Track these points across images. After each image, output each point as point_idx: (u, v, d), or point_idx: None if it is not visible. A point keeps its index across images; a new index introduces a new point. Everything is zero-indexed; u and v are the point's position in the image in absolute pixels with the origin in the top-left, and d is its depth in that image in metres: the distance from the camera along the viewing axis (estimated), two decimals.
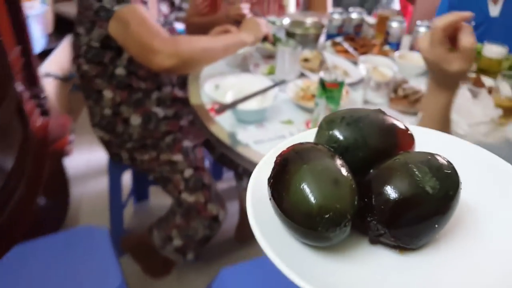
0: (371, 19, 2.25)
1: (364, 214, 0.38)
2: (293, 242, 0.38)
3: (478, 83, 1.71)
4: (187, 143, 1.79)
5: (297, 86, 1.54)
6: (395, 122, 0.45)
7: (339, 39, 2.12)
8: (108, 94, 1.67)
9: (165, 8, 1.79)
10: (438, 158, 0.39)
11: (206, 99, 1.53)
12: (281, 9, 2.37)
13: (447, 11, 2.67)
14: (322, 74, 1.26)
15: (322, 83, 1.24)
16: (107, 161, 1.92)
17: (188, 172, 1.72)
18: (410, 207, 0.37)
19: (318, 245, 0.37)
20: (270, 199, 0.39)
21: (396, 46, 2.12)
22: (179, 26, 2.24)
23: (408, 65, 1.84)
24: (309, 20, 2.16)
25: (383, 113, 0.45)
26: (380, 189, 0.38)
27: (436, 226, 0.37)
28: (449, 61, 0.79)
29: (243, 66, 1.81)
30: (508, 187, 0.42)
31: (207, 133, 1.42)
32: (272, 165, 0.40)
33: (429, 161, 0.38)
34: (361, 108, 0.47)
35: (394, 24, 2.07)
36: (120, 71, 1.63)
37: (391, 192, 0.37)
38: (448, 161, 0.39)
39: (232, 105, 1.32)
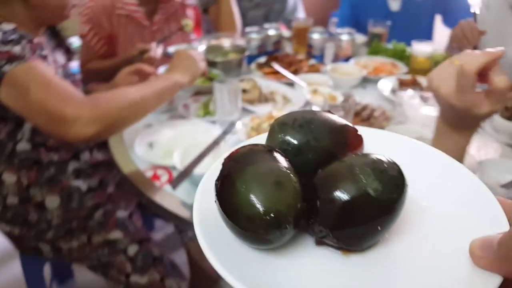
0: (286, 33, 2.14)
1: (308, 216, 0.38)
2: (239, 245, 0.38)
3: (415, 84, 1.69)
4: (121, 214, 1.47)
5: (246, 126, 1.34)
6: (345, 122, 0.45)
7: (261, 59, 1.98)
8: (9, 178, 1.30)
9: (61, 57, 1.45)
10: (384, 160, 0.39)
11: (143, 164, 1.25)
12: (185, 35, 2.14)
13: (349, 8, 2.72)
14: None
15: None
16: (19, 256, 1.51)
17: (132, 249, 1.41)
18: (352, 210, 0.37)
19: (260, 247, 0.38)
20: (215, 201, 0.38)
21: (321, 58, 2.04)
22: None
23: (344, 79, 1.76)
24: (226, 43, 1.97)
25: (333, 113, 0.45)
26: (323, 191, 0.38)
27: (379, 228, 0.37)
28: (480, 105, 0.67)
29: (171, 110, 1.56)
30: (458, 186, 0.42)
31: (142, 196, 1.15)
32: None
33: (374, 163, 0.38)
34: (312, 110, 0.47)
35: (316, 36, 1.99)
36: (22, 146, 1.27)
37: (333, 194, 0.37)
38: (393, 163, 0.39)
39: (188, 171, 1.07)
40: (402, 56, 2.00)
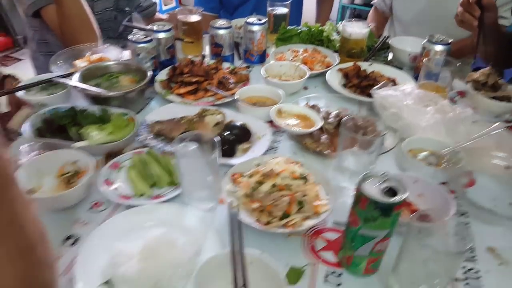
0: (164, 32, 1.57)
1: None
2: None
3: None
4: None
5: (234, 195, 0.86)
6: None
7: (160, 76, 1.42)
8: None
9: None
10: None
11: None
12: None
13: None
14: (371, 188, 0.69)
15: (382, 207, 0.68)
16: None
17: None
18: None
19: None
20: None
21: (230, 58, 1.60)
22: None
23: (289, 85, 1.38)
24: (107, 64, 1.35)
25: None
26: None
27: None
28: None
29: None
30: None
31: None
32: None
33: None
34: None
35: (223, 32, 1.52)
36: None
37: None
38: None
39: None
40: (317, 40, 1.72)
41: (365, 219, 0.73)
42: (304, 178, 0.87)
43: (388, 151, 1.08)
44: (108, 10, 1.81)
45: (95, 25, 1.58)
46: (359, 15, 4.96)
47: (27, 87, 1.17)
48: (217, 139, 0.84)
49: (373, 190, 0.71)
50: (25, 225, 0.51)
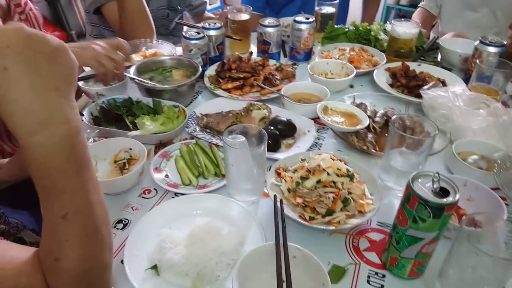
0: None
1: None
2: None
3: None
4: None
5: (277, 188, 0.87)
6: None
7: (209, 71, 1.45)
8: None
9: None
10: None
11: None
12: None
13: None
14: (422, 188, 0.68)
15: (433, 207, 0.67)
16: None
17: None
18: None
19: None
20: None
21: (277, 56, 1.61)
22: None
23: (335, 83, 1.38)
24: (161, 59, 1.40)
25: None
26: None
27: None
28: None
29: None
30: None
31: None
32: None
33: None
34: None
35: (271, 30, 1.54)
36: None
37: None
38: None
39: None
40: (364, 39, 1.70)
41: (414, 219, 0.72)
42: (350, 175, 0.87)
43: (437, 152, 1.05)
44: (161, 8, 1.88)
45: (152, 22, 1.63)
46: (404, 16, 4.82)
47: (85, 78, 1.24)
48: (264, 132, 0.86)
49: (424, 189, 0.70)
50: (94, 207, 0.55)
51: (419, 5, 2.24)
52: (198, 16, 2.18)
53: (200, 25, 1.54)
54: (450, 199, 0.68)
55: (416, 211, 0.70)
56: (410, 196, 0.71)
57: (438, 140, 1.11)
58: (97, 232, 0.55)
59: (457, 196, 0.68)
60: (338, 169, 0.87)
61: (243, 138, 0.86)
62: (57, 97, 0.49)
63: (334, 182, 0.86)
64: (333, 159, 0.92)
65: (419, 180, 0.72)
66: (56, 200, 0.51)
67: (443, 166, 1.07)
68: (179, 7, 1.97)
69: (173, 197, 0.93)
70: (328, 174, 0.86)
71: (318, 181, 0.86)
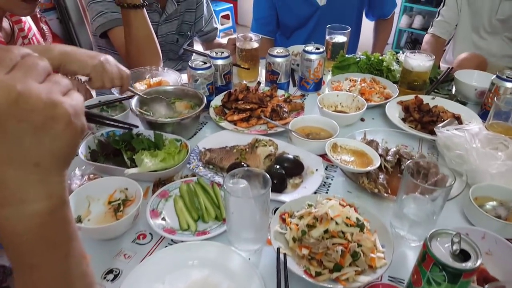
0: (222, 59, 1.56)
1: None
2: None
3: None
4: None
5: (281, 238, 0.81)
6: None
7: (215, 101, 1.41)
8: None
9: None
10: None
11: None
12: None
13: (269, 6, 2.27)
14: (439, 248, 0.62)
15: (449, 271, 0.61)
16: None
17: None
18: None
19: None
20: None
21: (285, 86, 1.57)
22: None
23: (345, 117, 1.33)
24: (165, 89, 1.36)
25: None
26: None
27: None
28: None
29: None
30: None
31: None
32: None
33: None
34: None
35: (281, 60, 1.50)
36: None
37: None
38: None
39: None
40: (376, 69, 1.65)
41: (428, 280, 0.65)
42: (360, 225, 0.80)
43: (453, 198, 0.99)
44: (170, 34, 1.85)
45: (159, 49, 1.60)
46: (416, 40, 4.79)
47: (86, 107, 1.20)
48: (268, 178, 0.80)
49: (443, 250, 0.64)
50: (74, 283, 0.49)
51: (428, 31, 2.19)
52: (209, 42, 2.15)
53: (207, 52, 1.51)
54: (469, 264, 0.61)
55: (430, 272, 0.64)
56: (425, 255, 0.65)
57: (455, 183, 1.05)
58: None
59: (478, 262, 0.61)
60: (347, 217, 0.81)
61: (245, 183, 0.81)
62: (34, 174, 0.41)
63: (343, 232, 0.79)
64: (343, 205, 0.85)
65: (438, 238, 0.66)
66: (25, 274, 0.45)
67: (459, 211, 1.00)
68: (189, 33, 1.95)
69: (169, 243, 0.87)
70: (336, 223, 0.80)
71: (326, 231, 0.80)
